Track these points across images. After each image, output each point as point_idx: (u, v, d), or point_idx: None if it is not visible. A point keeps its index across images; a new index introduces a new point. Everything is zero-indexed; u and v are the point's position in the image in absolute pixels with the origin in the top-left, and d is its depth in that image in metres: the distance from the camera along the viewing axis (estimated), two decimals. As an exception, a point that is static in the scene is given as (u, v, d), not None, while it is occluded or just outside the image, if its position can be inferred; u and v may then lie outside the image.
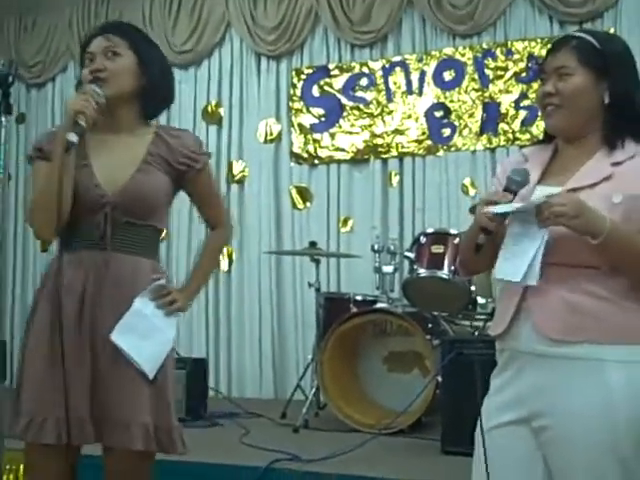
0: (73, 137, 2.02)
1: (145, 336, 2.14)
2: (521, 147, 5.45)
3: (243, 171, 6.52)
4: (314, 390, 4.87)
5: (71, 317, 2.13)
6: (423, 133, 6.03)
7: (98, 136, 2.24)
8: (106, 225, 2.17)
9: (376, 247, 5.04)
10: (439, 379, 4.23)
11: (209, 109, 6.69)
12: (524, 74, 5.80)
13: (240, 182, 6.52)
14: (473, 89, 5.94)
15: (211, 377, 5.75)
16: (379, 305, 4.88)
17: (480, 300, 4.71)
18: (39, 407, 2.10)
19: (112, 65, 2.20)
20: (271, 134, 6.47)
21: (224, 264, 6.43)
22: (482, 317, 4.78)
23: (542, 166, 2.00)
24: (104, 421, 2.12)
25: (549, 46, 2.03)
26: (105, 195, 2.17)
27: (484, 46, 5.96)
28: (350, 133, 6.24)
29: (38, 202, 2.13)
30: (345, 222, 6.20)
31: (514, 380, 1.90)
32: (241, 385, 6.32)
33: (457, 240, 4.61)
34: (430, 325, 4.76)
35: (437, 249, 4.72)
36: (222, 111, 6.66)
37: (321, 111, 6.35)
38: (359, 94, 6.25)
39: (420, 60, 6.10)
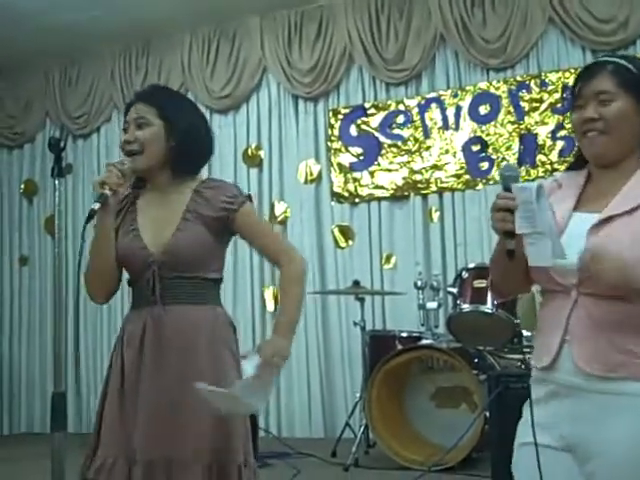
0: (95, 205, 2.18)
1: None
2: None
3: (285, 212, 6.62)
4: (363, 428, 4.89)
5: (133, 365, 2.28)
6: (461, 167, 6.08)
7: (145, 198, 2.42)
8: (154, 282, 2.30)
9: (419, 284, 5.09)
10: (487, 414, 4.24)
11: (249, 152, 6.82)
12: (559, 105, 5.83)
13: (282, 223, 6.62)
14: (509, 122, 5.98)
15: (261, 417, 5.80)
16: (424, 341, 4.91)
17: (525, 333, 4.71)
18: (110, 450, 2.22)
19: (142, 135, 2.34)
20: (311, 174, 6.57)
21: (270, 305, 6.52)
22: (528, 350, 4.78)
23: (577, 192, 1.98)
24: (170, 462, 2.21)
25: (581, 71, 1.99)
26: (151, 255, 2.31)
27: (518, 79, 6.01)
28: (389, 170, 6.31)
29: (88, 268, 2.34)
30: (388, 259, 6.25)
31: (555, 410, 1.90)
32: (291, 425, 6.36)
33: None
34: (476, 360, 4.77)
35: (479, 284, 4.75)
36: (262, 154, 6.78)
37: (359, 150, 6.44)
38: (396, 132, 6.33)
39: (455, 95, 6.17)
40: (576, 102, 1.96)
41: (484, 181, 6.00)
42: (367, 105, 6.47)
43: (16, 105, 7.64)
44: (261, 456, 5.11)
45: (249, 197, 2.43)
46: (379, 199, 6.35)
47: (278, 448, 5.39)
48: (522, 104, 5.95)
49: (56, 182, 2.08)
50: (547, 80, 5.90)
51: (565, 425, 1.88)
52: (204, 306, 2.32)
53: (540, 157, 5.86)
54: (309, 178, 6.58)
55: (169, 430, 2.21)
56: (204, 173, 7.04)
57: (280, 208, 6.64)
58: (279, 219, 6.61)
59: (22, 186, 7.58)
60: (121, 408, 2.27)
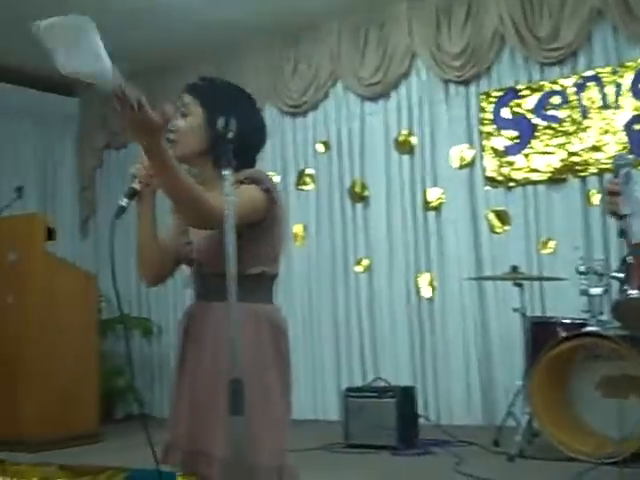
0: (123, 201, 2.16)
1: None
2: None
3: (439, 198, 6.59)
4: (527, 417, 4.81)
5: (178, 358, 2.36)
6: (623, 148, 5.83)
7: None
8: (198, 279, 2.35)
9: (582, 269, 4.94)
10: (660, 406, 4.09)
11: (400, 139, 6.81)
12: None
13: (436, 209, 6.59)
14: (676, 98, 5.71)
15: (420, 404, 5.81)
16: (589, 328, 4.77)
17: (699, 321, 4.49)
18: (167, 434, 2.34)
19: (181, 124, 2.31)
20: (464, 159, 6.50)
21: (427, 291, 6.52)
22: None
23: None
24: (194, 452, 2.26)
25: None
26: (193, 252, 2.33)
27: (685, 52, 5.72)
28: (545, 153, 6.16)
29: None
30: (546, 244, 6.11)
31: None
32: (449, 411, 6.34)
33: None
34: (645, 348, 4.60)
35: (648, 269, 4.56)
36: (413, 140, 6.76)
37: (513, 133, 6.31)
38: (551, 113, 6.17)
39: (614, 72, 5.93)
40: None
41: (649, 161, 5.74)
42: (520, 87, 6.32)
43: (170, 100, 7.89)
44: (422, 443, 5.16)
45: (263, 188, 2.26)
46: (535, 182, 6.21)
47: (438, 435, 5.40)
48: (690, 79, 5.66)
49: (226, 172, 2.12)
50: None
51: None
52: (240, 304, 2.16)
53: None
54: (462, 163, 6.51)
55: (203, 427, 2.24)
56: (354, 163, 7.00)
57: (433, 194, 6.61)
58: (432, 205, 6.59)
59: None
60: (173, 398, 2.38)
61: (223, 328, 2.17)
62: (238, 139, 2.16)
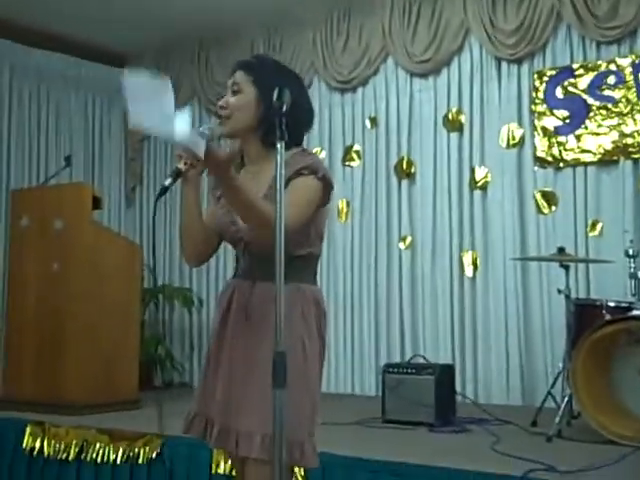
0: (167, 181, 2.20)
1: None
2: None
3: (486, 177, 6.50)
4: (567, 399, 4.75)
5: (218, 334, 2.40)
6: (679, 130, 5.70)
7: (243, 172, 2.43)
8: (244, 257, 2.39)
9: (631, 252, 4.85)
10: None
11: (450, 116, 6.73)
12: None
13: (483, 188, 6.50)
14: None
15: (457, 382, 5.78)
16: (635, 312, 4.67)
17: None
18: (194, 405, 2.43)
19: (233, 101, 2.35)
20: (513, 139, 6.40)
21: (468, 270, 6.45)
22: None
23: None
24: (226, 428, 2.29)
25: None
26: (239, 231, 2.35)
27: None
28: (597, 134, 6.03)
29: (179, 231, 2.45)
30: (593, 226, 5.99)
31: None
32: (488, 391, 6.29)
33: None
34: (693, 334, 4.50)
35: (698, 253, 4.46)
36: (463, 118, 6.67)
37: (565, 113, 6.19)
38: (606, 93, 6.03)
39: (673, 53, 5.79)
40: None
41: None
42: (575, 66, 6.19)
43: (224, 72, 7.93)
44: (460, 421, 5.12)
45: (320, 176, 2.31)
46: (585, 164, 6.09)
47: (476, 414, 5.36)
48: None
49: (279, 145, 2.11)
50: None
51: None
52: (291, 284, 2.17)
53: None
54: (511, 142, 6.41)
55: (239, 402, 2.27)
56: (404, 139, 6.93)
57: (481, 173, 6.52)
58: (479, 184, 6.50)
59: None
60: (207, 371, 2.42)
61: (267, 306, 2.20)
62: (289, 115, 2.16)
